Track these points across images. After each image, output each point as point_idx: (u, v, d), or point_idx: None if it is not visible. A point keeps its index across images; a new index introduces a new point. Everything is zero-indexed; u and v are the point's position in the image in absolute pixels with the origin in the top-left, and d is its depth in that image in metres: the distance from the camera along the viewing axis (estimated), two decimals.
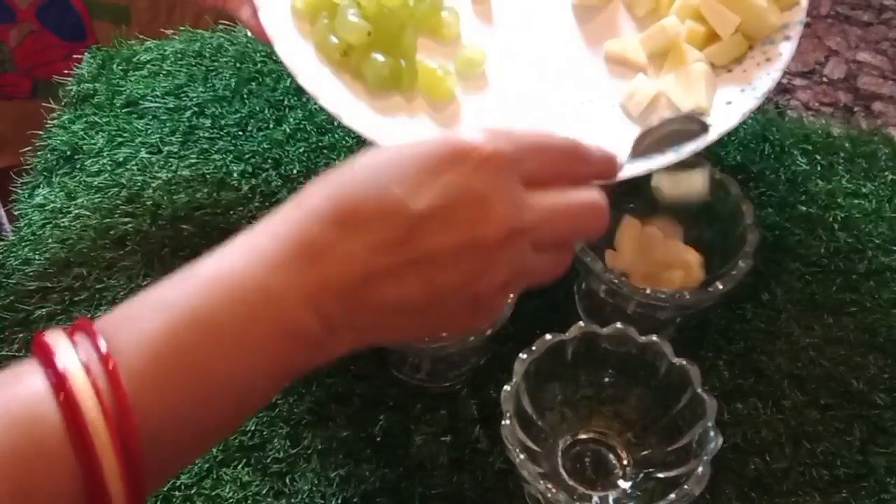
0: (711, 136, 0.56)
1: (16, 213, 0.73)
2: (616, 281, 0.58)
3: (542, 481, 0.52)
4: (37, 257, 0.69)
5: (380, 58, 0.62)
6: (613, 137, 0.58)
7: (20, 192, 0.74)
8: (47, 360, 0.36)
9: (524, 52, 0.66)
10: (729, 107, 0.59)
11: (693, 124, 0.56)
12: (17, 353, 0.64)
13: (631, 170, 0.54)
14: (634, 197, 0.62)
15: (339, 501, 0.59)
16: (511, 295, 0.45)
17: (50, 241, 0.70)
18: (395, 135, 0.60)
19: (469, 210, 0.41)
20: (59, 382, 0.35)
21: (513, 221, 0.41)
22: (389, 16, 0.63)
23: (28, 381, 0.36)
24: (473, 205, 0.41)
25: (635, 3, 0.65)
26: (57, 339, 0.36)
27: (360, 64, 0.62)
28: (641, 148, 0.54)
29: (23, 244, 0.70)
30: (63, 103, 0.79)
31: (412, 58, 0.64)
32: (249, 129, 0.76)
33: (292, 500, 0.59)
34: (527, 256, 0.43)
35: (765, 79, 0.59)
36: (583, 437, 0.60)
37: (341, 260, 0.39)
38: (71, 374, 0.35)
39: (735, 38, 0.60)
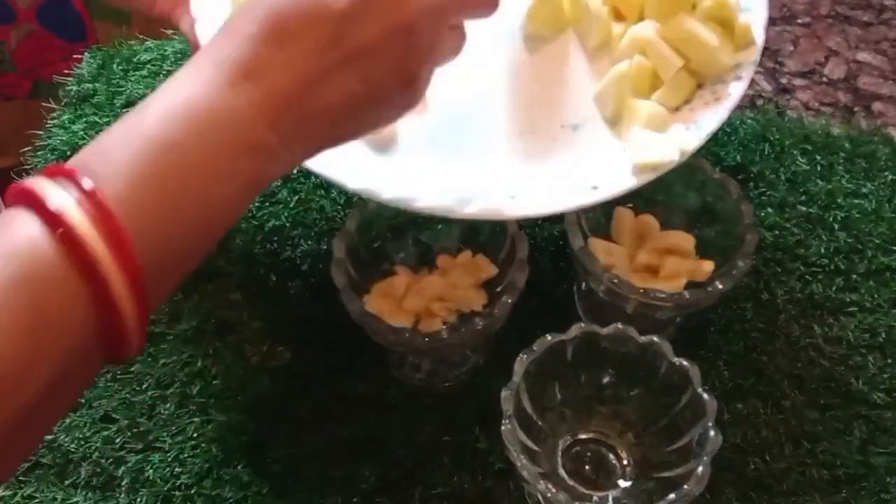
0: (649, 176, 0.55)
1: None
2: (616, 281, 0.58)
3: (542, 481, 0.52)
4: None
5: None
6: (566, 159, 0.58)
7: None
8: (36, 203, 0.36)
9: (470, 74, 0.62)
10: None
11: None
12: None
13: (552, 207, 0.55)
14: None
15: (339, 501, 0.59)
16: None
17: None
18: (325, 156, 0.58)
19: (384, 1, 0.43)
20: (54, 220, 0.35)
21: (425, 2, 0.44)
22: None
23: (20, 225, 0.36)
24: None
25: (586, 35, 0.63)
26: (41, 184, 0.37)
27: None
28: None
29: None
30: (63, 103, 0.79)
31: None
32: None
33: (292, 501, 0.59)
34: (441, 33, 0.46)
35: (711, 118, 0.58)
36: (583, 437, 0.60)
37: (282, 71, 0.41)
38: (66, 210, 0.36)
39: (680, 77, 0.59)
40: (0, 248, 0.35)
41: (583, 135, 0.59)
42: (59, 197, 0.36)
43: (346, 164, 0.57)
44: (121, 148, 0.39)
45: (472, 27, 0.50)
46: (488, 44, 0.64)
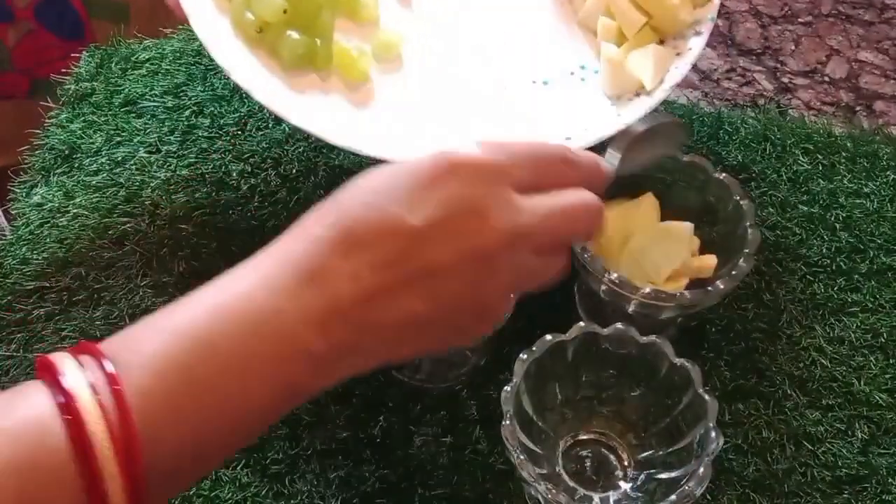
0: (617, 124, 0.59)
1: (13, 212, 0.73)
2: (616, 281, 0.58)
3: (542, 482, 0.51)
4: (35, 257, 0.69)
5: (295, 36, 0.63)
6: (540, 114, 0.63)
7: (18, 191, 0.74)
8: (53, 379, 0.36)
9: (443, 35, 0.67)
10: (637, 97, 0.61)
11: (667, 119, 0.59)
12: (14, 354, 0.64)
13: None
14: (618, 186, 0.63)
15: (339, 502, 0.59)
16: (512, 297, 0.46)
17: (48, 240, 0.70)
18: (308, 112, 0.61)
19: (467, 220, 0.41)
20: (65, 402, 0.35)
21: (511, 226, 0.42)
22: None
23: (33, 400, 0.36)
24: (470, 214, 0.41)
25: None
26: (63, 360, 0.37)
27: (276, 42, 0.63)
28: (621, 149, 0.55)
29: (21, 243, 0.70)
30: (61, 102, 0.79)
31: (328, 37, 0.64)
32: (248, 128, 0.76)
33: (292, 501, 0.59)
34: (528, 260, 0.43)
35: (673, 72, 0.62)
36: (583, 437, 0.60)
37: (346, 280, 0.40)
38: (77, 393, 0.35)
39: (643, 33, 0.63)
40: (9, 423, 0.35)
41: (554, 89, 0.64)
42: (74, 377, 0.35)
43: (328, 120, 0.60)
44: (155, 337, 0.38)
45: None
46: (459, 3, 0.68)
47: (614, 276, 0.58)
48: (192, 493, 0.59)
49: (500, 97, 0.64)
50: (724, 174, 0.62)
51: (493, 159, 0.43)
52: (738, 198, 0.61)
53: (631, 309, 0.60)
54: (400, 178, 0.42)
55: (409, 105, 0.64)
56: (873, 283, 0.68)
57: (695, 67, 0.84)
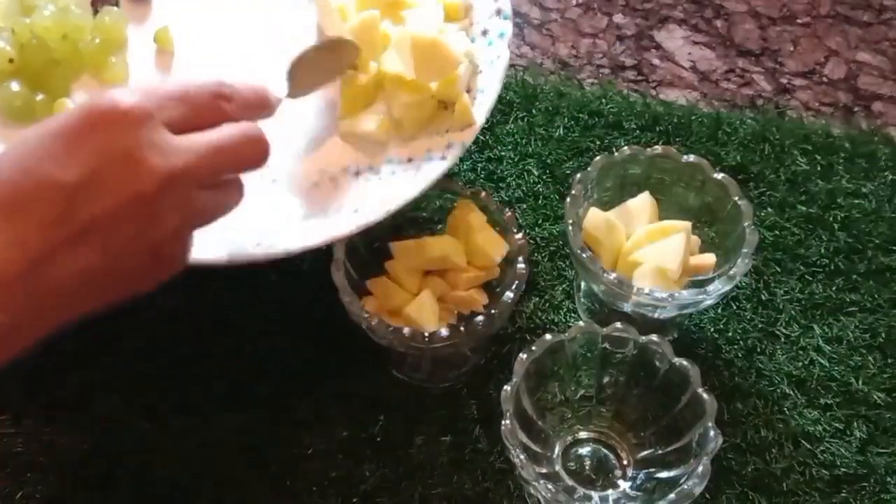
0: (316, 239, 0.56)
1: None
2: (616, 281, 0.58)
3: (542, 481, 0.52)
4: None
5: (15, 87, 0.62)
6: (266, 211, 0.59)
7: None
8: None
9: None
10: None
11: (345, 47, 0.58)
12: None
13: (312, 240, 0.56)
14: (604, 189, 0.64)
15: (339, 501, 0.59)
16: (190, 237, 0.47)
17: None
18: None
19: (119, 168, 0.42)
20: None
21: (166, 168, 0.42)
22: (39, 48, 0.63)
23: None
24: (122, 162, 0.42)
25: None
26: None
27: None
28: (299, 80, 0.56)
29: None
30: None
31: (56, 94, 0.63)
32: None
33: (292, 501, 0.59)
34: (193, 196, 0.44)
35: (408, 187, 0.58)
36: (583, 436, 0.60)
37: (9, 248, 0.40)
38: None
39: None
40: None
41: (282, 189, 0.61)
42: None
43: None
44: None
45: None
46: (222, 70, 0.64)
47: (614, 276, 0.58)
48: (193, 492, 0.59)
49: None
50: (722, 174, 0.62)
51: (138, 103, 0.43)
52: (736, 198, 0.61)
53: (630, 309, 0.60)
54: (47, 136, 0.42)
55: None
56: (871, 282, 0.69)
57: (693, 68, 0.84)
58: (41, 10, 0.63)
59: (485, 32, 0.64)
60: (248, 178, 0.60)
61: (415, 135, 0.61)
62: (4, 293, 0.40)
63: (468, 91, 0.61)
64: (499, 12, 0.64)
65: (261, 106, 0.50)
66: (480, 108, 0.60)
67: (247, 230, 0.57)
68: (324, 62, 0.58)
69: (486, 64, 0.62)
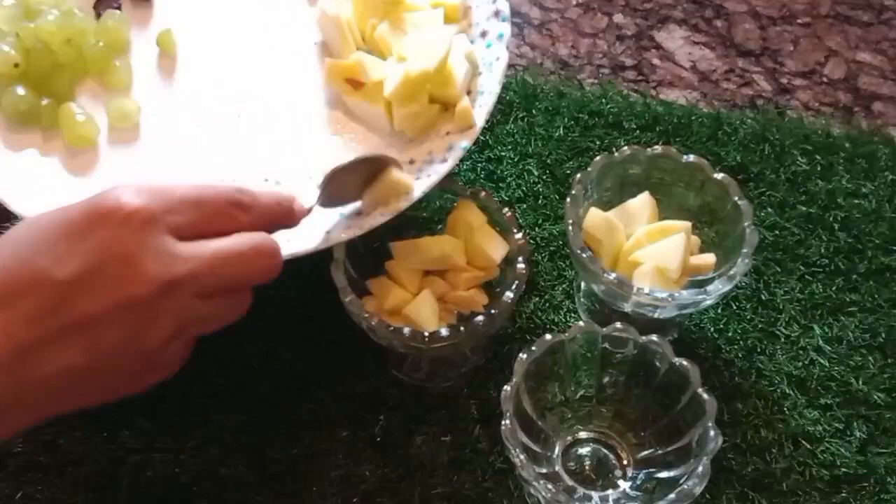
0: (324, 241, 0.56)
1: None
2: (615, 281, 0.58)
3: (542, 481, 0.52)
4: None
5: (20, 91, 0.62)
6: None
7: None
8: None
9: (194, 116, 0.65)
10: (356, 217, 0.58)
11: (382, 162, 0.57)
12: None
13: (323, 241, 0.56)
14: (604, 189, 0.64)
15: (339, 501, 0.59)
16: (186, 345, 0.46)
17: None
18: (22, 172, 0.60)
19: (116, 270, 0.41)
20: None
21: (164, 275, 0.41)
22: (43, 52, 0.63)
23: None
24: (119, 264, 0.41)
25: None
26: None
27: (3, 95, 0.62)
28: (332, 191, 0.54)
29: None
30: None
31: (61, 98, 0.63)
32: None
33: (292, 501, 0.59)
34: (192, 305, 0.43)
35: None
36: (583, 436, 0.60)
37: None
38: None
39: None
40: None
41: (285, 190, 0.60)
42: None
43: (44, 198, 0.58)
44: None
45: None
46: (226, 91, 0.66)
47: (614, 276, 0.58)
48: (193, 492, 0.59)
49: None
50: (722, 174, 0.62)
51: (145, 205, 0.42)
52: (736, 198, 0.61)
53: (630, 309, 0.60)
54: (45, 228, 0.41)
55: (129, 179, 0.61)
56: (871, 283, 0.69)
57: (693, 68, 0.84)
58: (45, 14, 0.64)
59: (484, 34, 0.64)
60: (249, 179, 0.60)
61: (415, 138, 0.61)
62: None
63: (468, 93, 0.61)
64: (497, 14, 0.64)
65: (284, 218, 0.48)
66: (480, 111, 0.60)
67: None
68: (360, 174, 0.56)
69: (486, 66, 0.62)
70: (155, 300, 0.41)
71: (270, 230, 0.47)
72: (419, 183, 0.58)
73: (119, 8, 0.69)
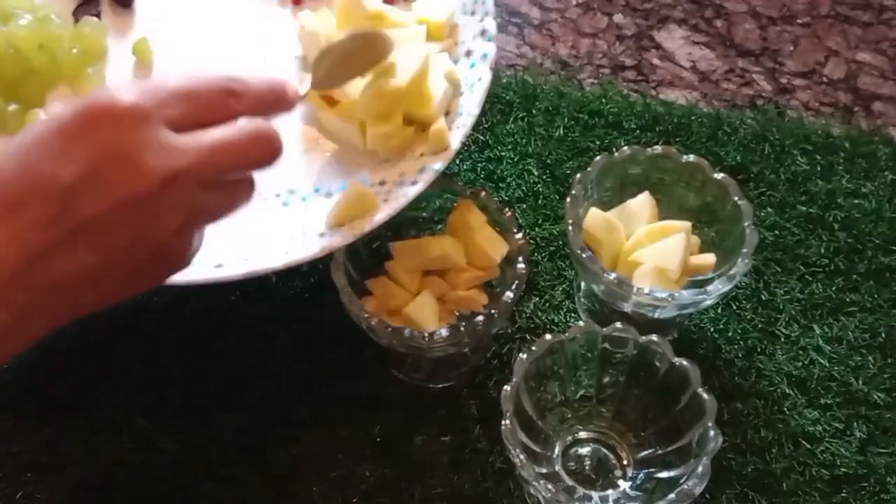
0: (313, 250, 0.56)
1: None
2: (615, 281, 0.58)
3: (542, 481, 0.52)
4: None
5: None
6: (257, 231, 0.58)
7: None
8: None
9: None
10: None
11: (377, 41, 0.57)
12: None
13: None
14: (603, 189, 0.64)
15: (339, 501, 0.59)
16: (196, 235, 0.46)
17: None
18: None
19: (116, 168, 0.41)
20: None
21: (164, 169, 0.42)
22: (14, 58, 0.62)
23: None
24: (119, 162, 0.41)
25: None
26: None
27: None
28: (324, 73, 0.54)
29: None
30: None
31: (30, 105, 0.63)
32: None
33: (292, 501, 0.59)
34: (195, 195, 0.43)
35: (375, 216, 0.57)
36: (583, 436, 0.60)
37: (5, 247, 0.40)
38: None
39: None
40: None
41: (251, 207, 0.57)
42: None
43: None
44: None
45: None
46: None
47: (613, 276, 0.58)
48: (193, 492, 0.59)
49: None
50: (722, 174, 0.62)
51: (137, 102, 0.42)
52: (736, 198, 0.61)
53: (630, 309, 0.60)
54: (46, 134, 0.41)
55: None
56: (871, 282, 0.69)
57: (693, 68, 0.84)
58: (18, 18, 0.63)
59: (468, 53, 0.63)
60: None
61: (389, 158, 0.61)
62: (2, 291, 0.40)
63: (447, 114, 0.60)
64: (483, 33, 0.63)
65: (277, 102, 0.48)
66: (457, 132, 0.59)
67: (235, 245, 0.57)
68: (352, 56, 0.56)
69: (467, 86, 0.61)
70: (158, 194, 0.42)
71: (267, 115, 0.47)
72: (385, 206, 0.57)
73: (98, 15, 0.68)
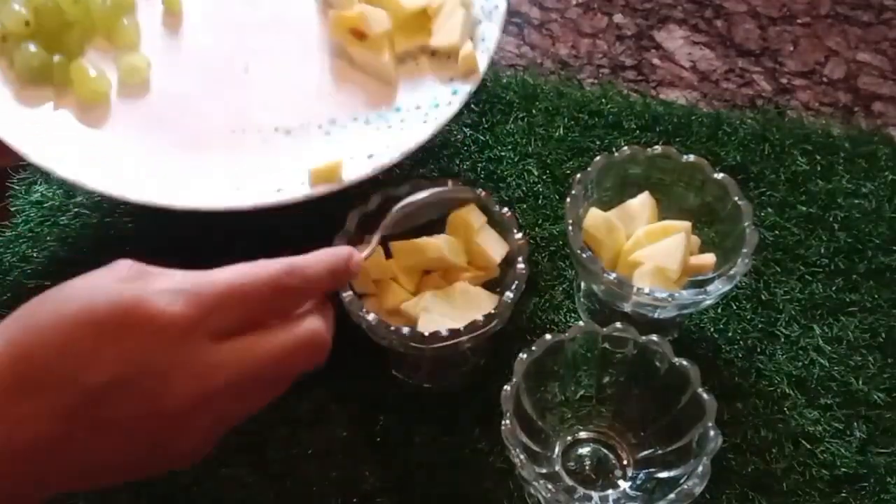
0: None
1: (12, 209, 0.73)
2: (615, 281, 0.58)
3: (542, 481, 0.52)
4: (35, 255, 0.69)
5: (31, 48, 0.63)
6: (277, 161, 0.61)
7: (17, 187, 0.74)
8: None
9: (203, 68, 0.66)
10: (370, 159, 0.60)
11: (461, 193, 0.59)
12: None
13: None
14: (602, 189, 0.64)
15: (339, 501, 0.59)
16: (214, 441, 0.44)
17: (49, 238, 0.70)
18: (36, 126, 0.61)
19: (146, 384, 0.39)
20: None
21: (199, 390, 0.40)
22: (53, 11, 0.64)
23: None
24: (151, 378, 0.39)
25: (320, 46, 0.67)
26: None
27: (14, 52, 0.63)
28: (396, 220, 0.57)
29: (20, 241, 0.70)
30: None
31: (72, 55, 0.64)
32: None
33: (292, 501, 0.59)
34: (226, 409, 0.42)
35: (410, 137, 0.60)
36: (583, 436, 0.60)
37: (20, 425, 0.38)
38: None
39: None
40: None
41: (295, 140, 0.63)
42: None
43: (59, 149, 0.60)
44: None
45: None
46: (233, 44, 0.67)
47: (614, 276, 0.58)
48: (193, 492, 0.59)
49: (239, 142, 0.63)
50: (722, 174, 0.62)
51: (182, 313, 0.40)
52: (736, 198, 0.61)
53: (630, 309, 0.60)
54: (81, 324, 0.39)
55: (142, 134, 0.63)
56: (871, 282, 0.69)
57: (693, 68, 0.84)
58: None
59: None
60: (258, 129, 0.63)
61: (419, 87, 0.64)
62: (9, 462, 0.39)
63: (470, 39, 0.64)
64: None
65: (339, 283, 0.46)
66: (482, 56, 0.63)
67: (265, 179, 0.59)
68: (428, 209, 0.58)
69: (485, 14, 0.65)
70: (184, 414, 0.40)
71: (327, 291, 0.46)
72: (426, 127, 0.60)
73: None
